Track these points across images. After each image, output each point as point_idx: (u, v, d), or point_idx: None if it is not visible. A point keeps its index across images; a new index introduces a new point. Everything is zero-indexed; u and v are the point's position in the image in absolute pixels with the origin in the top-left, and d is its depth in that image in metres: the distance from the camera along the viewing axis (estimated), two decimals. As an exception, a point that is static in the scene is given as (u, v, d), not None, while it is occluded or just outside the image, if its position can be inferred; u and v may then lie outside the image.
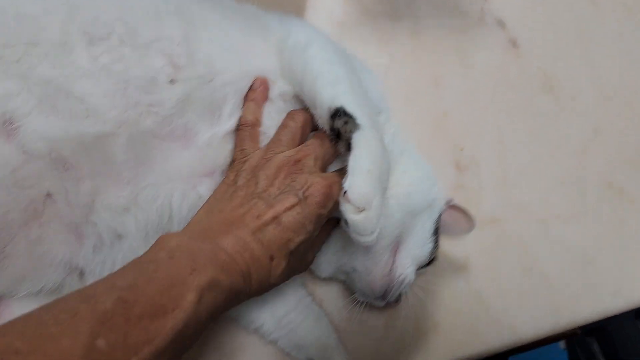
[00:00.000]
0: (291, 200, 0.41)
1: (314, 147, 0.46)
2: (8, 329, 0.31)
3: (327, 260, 0.51)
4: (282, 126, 0.48)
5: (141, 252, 0.38)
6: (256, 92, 0.48)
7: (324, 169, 0.46)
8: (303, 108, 0.49)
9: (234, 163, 0.47)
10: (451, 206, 0.55)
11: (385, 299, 0.49)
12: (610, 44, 0.74)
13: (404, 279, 0.49)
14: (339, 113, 0.43)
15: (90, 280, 0.44)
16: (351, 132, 0.43)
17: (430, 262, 0.53)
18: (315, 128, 0.49)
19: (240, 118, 0.48)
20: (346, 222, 0.41)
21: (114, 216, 0.44)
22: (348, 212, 0.41)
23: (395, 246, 0.50)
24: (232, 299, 0.38)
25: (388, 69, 0.68)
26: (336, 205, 0.43)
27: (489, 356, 0.55)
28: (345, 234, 0.44)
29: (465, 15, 0.74)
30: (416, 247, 0.51)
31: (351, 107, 0.43)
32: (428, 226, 0.52)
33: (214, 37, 0.48)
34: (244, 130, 0.48)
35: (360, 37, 0.70)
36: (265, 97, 0.49)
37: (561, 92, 0.69)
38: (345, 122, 0.43)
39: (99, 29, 0.45)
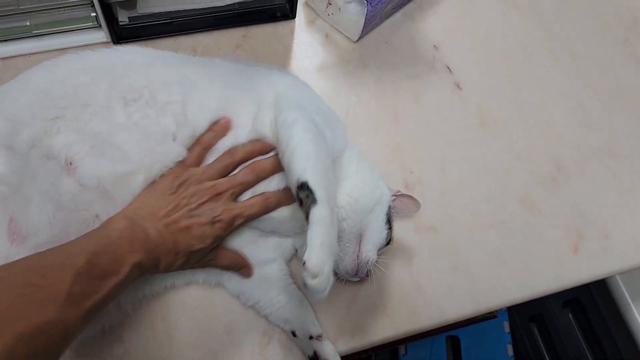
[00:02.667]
0: (204, 220, 0.57)
1: (237, 181, 0.60)
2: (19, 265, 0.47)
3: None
4: (219, 159, 0.62)
5: None
6: (218, 125, 0.62)
7: (238, 196, 0.61)
8: (244, 145, 0.63)
9: (178, 168, 0.60)
10: (399, 195, 0.72)
11: (357, 275, 0.66)
12: (535, 85, 0.93)
13: (368, 260, 0.65)
14: (303, 187, 0.54)
15: None
16: (310, 205, 0.53)
17: (388, 242, 0.69)
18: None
19: (200, 136, 0.62)
20: (305, 284, 0.51)
21: None
22: (306, 277, 0.50)
23: (359, 237, 0.65)
24: (148, 273, 0.55)
25: (356, 106, 0.86)
26: (235, 229, 0.61)
27: (424, 332, 0.73)
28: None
29: (419, 62, 0.92)
30: (375, 235, 0.66)
31: (313, 183, 0.54)
32: (381, 217, 0.67)
33: (204, 102, 0.63)
34: (197, 146, 0.62)
35: (335, 80, 0.87)
36: (224, 132, 0.62)
37: (493, 125, 0.87)
38: (307, 196, 0.54)
39: (132, 94, 0.61)
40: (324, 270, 0.50)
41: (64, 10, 0.81)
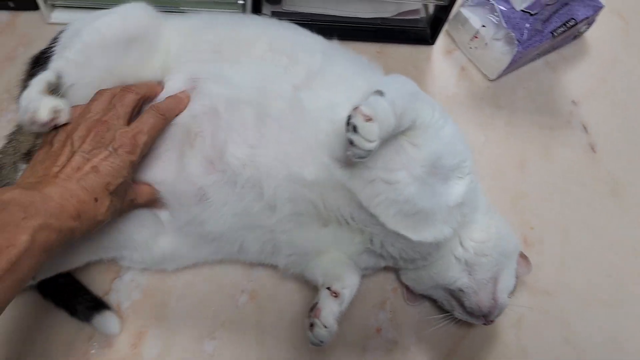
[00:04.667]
0: (104, 153, 0.50)
1: (116, 108, 0.54)
2: None
3: (429, 279, 0.63)
4: (91, 100, 0.55)
5: None
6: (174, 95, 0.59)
7: (128, 123, 0.54)
8: (112, 88, 0.57)
9: (47, 134, 0.54)
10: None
11: (488, 318, 0.61)
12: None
13: (504, 305, 0.61)
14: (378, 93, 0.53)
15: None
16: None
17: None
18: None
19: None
20: (351, 141, 0.48)
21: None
22: (357, 119, 0.48)
23: (495, 280, 0.62)
24: (67, 236, 0.47)
25: (483, 146, 0.82)
26: (144, 149, 0.53)
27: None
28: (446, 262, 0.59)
29: (555, 115, 0.87)
30: (508, 280, 0.63)
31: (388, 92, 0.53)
32: (514, 265, 0.64)
33: (340, 76, 0.62)
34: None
35: (465, 115, 0.84)
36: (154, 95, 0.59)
37: (626, 198, 0.81)
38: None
39: (278, 44, 0.63)
40: (377, 114, 0.48)
41: (214, -9, 0.82)
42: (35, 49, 0.64)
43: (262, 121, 0.58)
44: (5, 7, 0.80)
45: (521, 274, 0.67)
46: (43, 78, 0.55)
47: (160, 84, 0.61)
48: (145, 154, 0.54)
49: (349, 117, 0.48)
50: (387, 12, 0.86)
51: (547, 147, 0.83)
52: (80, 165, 0.49)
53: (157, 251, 0.62)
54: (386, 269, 0.68)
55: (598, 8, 0.89)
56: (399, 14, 0.87)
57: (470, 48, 0.87)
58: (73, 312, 0.61)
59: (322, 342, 0.53)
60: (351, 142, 0.48)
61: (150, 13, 0.62)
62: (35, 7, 0.79)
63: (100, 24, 0.58)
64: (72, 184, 0.48)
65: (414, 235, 0.58)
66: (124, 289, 0.64)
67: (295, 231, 0.60)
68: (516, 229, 0.75)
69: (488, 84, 0.87)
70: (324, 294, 0.56)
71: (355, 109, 0.48)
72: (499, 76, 0.86)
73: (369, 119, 0.48)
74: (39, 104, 0.51)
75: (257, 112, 0.58)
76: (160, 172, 0.58)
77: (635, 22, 1.01)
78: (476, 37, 0.85)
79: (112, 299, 0.63)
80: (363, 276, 0.64)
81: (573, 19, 0.86)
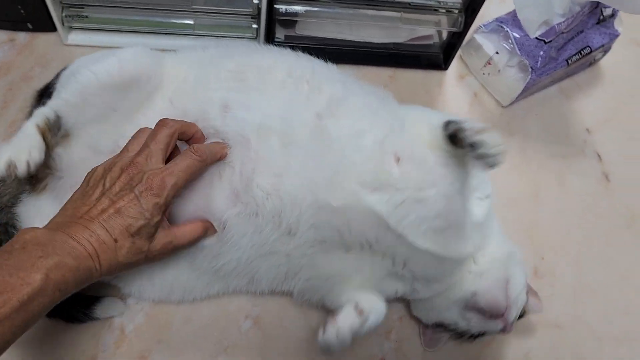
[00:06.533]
0: (130, 195, 0.50)
1: (149, 147, 0.53)
2: None
3: (442, 300, 0.63)
4: (132, 137, 0.56)
5: None
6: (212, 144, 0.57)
7: (162, 161, 0.53)
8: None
9: (90, 171, 0.54)
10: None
11: (506, 319, 0.60)
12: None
13: (518, 297, 0.61)
14: (448, 124, 0.56)
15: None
16: (464, 129, 0.54)
17: (522, 315, 0.63)
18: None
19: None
20: (482, 155, 0.51)
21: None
22: (472, 136, 0.51)
23: (506, 279, 0.61)
24: (84, 276, 0.47)
25: (495, 174, 0.80)
26: (172, 191, 0.51)
27: None
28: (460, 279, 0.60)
29: (569, 143, 0.86)
30: (518, 288, 0.61)
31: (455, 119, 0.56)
32: (523, 279, 0.63)
33: (359, 108, 0.62)
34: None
35: (476, 141, 0.83)
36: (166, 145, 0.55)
37: (640, 231, 0.79)
38: (457, 128, 0.54)
39: (298, 72, 0.63)
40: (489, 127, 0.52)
41: (229, 16, 0.83)
42: (52, 70, 0.65)
43: (287, 149, 0.57)
44: (24, 29, 0.82)
45: (530, 310, 0.66)
46: (41, 113, 0.56)
47: (195, 124, 0.59)
48: (177, 195, 0.53)
49: (460, 140, 0.52)
50: (400, 37, 0.86)
51: (561, 175, 0.82)
52: (105, 207, 0.50)
53: (162, 284, 0.62)
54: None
55: (614, 36, 0.88)
56: (412, 39, 0.87)
57: (484, 74, 0.87)
58: (70, 319, 0.61)
59: (330, 350, 0.52)
60: (482, 156, 0.51)
61: (149, 56, 0.62)
62: (53, 28, 0.80)
63: (98, 68, 0.58)
64: (94, 224, 0.49)
65: (443, 251, 0.58)
66: (127, 312, 0.64)
67: (317, 256, 0.60)
68: (527, 259, 0.73)
69: (501, 110, 0.87)
70: (349, 307, 0.55)
71: (462, 130, 0.52)
72: (512, 103, 0.86)
73: (482, 131, 0.51)
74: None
75: (282, 140, 0.57)
76: (192, 207, 0.58)
77: (653, 50, 0.99)
78: (489, 64, 0.84)
79: (115, 321, 0.63)
80: None
81: (588, 46, 0.85)
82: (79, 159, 0.59)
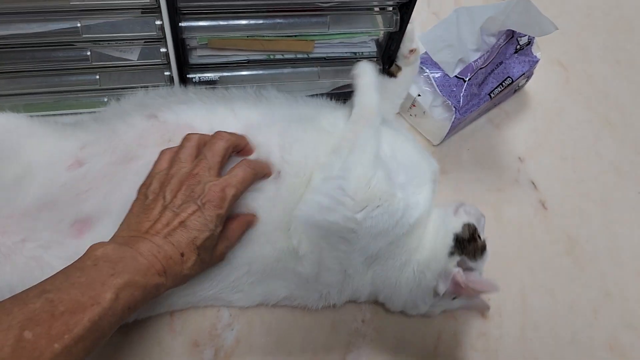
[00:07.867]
0: (192, 207, 0.51)
1: (207, 159, 0.55)
2: None
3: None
4: (180, 147, 0.58)
5: None
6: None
7: (219, 173, 0.56)
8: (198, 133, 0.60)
9: (144, 184, 0.56)
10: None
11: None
12: (629, 214, 0.85)
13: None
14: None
15: None
16: None
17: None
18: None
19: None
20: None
21: None
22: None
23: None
24: (151, 293, 0.48)
25: (432, 216, 0.80)
26: (232, 202, 0.54)
27: None
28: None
29: (502, 174, 0.86)
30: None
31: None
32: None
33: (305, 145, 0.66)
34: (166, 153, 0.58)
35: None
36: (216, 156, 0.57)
37: (580, 256, 0.80)
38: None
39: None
40: None
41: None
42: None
43: None
44: None
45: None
46: None
47: (245, 137, 0.62)
48: (233, 206, 0.55)
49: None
50: (323, 88, 0.86)
51: (497, 209, 0.82)
52: (169, 221, 0.51)
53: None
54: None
55: (534, 62, 0.89)
56: (336, 89, 0.86)
57: (411, 115, 0.86)
58: None
59: None
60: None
61: (8, 124, 0.62)
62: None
63: None
64: (160, 239, 0.49)
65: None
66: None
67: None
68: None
69: (433, 149, 0.87)
70: None
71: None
72: (443, 140, 0.86)
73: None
74: None
75: None
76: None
77: (576, 68, 1.02)
78: (414, 105, 0.84)
79: None
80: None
81: (509, 77, 0.86)
82: None
